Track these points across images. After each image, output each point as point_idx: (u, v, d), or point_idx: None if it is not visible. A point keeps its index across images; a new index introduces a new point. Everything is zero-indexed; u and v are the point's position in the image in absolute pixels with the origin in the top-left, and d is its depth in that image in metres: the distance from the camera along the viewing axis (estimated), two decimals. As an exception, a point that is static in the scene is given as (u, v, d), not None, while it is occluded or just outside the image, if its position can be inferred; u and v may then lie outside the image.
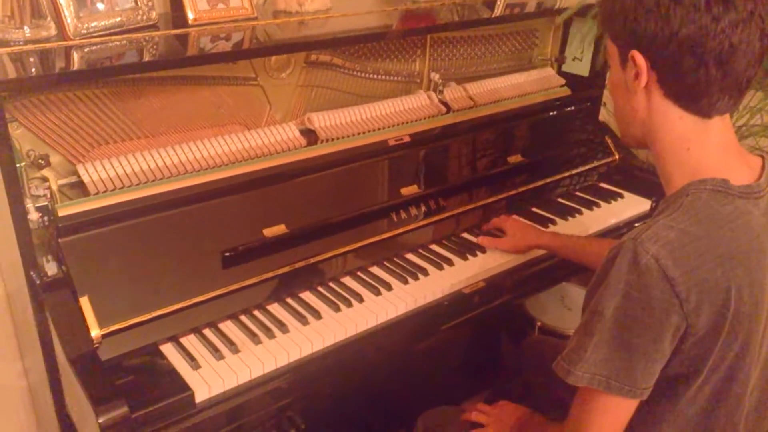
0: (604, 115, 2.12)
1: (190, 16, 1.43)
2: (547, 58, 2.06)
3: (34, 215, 1.19)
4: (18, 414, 1.67)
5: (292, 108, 1.58)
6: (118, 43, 1.33)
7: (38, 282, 1.18)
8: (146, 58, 1.31)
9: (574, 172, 1.89)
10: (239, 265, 1.31)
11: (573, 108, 2.00)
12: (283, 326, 1.26)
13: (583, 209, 1.78)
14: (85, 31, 1.30)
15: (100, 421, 0.99)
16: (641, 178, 1.91)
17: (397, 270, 1.46)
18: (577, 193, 1.87)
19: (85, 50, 1.28)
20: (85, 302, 1.14)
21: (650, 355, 0.90)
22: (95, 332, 1.13)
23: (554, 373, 0.97)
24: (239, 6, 1.50)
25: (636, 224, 1.77)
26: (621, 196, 1.87)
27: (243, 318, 1.29)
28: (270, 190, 1.41)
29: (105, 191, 1.24)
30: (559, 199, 1.84)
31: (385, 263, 1.49)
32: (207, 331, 1.25)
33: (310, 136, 1.52)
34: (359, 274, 1.45)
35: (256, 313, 1.31)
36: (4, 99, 1.15)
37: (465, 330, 2.03)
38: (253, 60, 1.47)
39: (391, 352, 1.36)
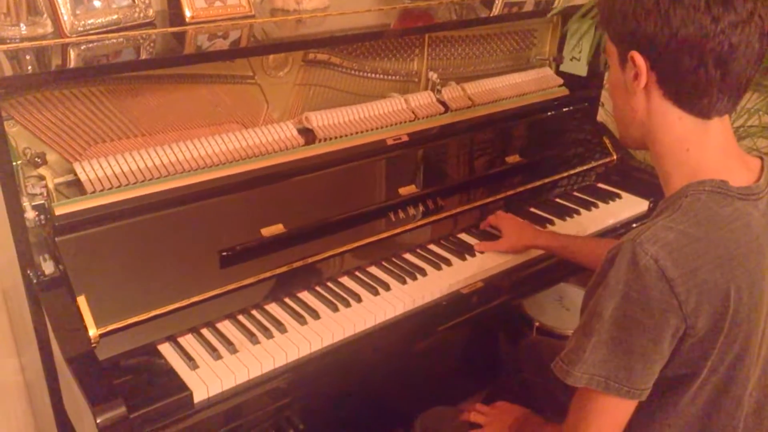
0: (602, 116, 2.12)
1: (188, 13, 1.43)
2: (545, 58, 2.06)
3: (30, 214, 1.18)
4: (15, 412, 1.67)
5: (289, 107, 1.58)
6: (114, 40, 1.33)
7: (35, 281, 1.18)
8: (143, 56, 1.31)
9: (572, 172, 1.89)
10: (237, 265, 1.31)
11: (571, 108, 2.00)
12: (281, 326, 1.26)
13: (581, 209, 1.78)
14: (82, 29, 1.30)
15: (98, 421, 0.99)
16: (639, 178, 1.91)
17: (395, 270, 1.46)
18: (575, 194, 1.87)
19: (82, 48, 1.28)
20: (82, 301, 1.13)
21: (649, 356, 0.90)
22: (93, 332, 1.12)
23: (552, 374, 0.97)
24: (237, 4, 1.50)
25: (634, 225, 1.78)
26: (619, 196, 1.87)
27: (241, 318, 1.29)
28: (268, 189, 1.40)
29: (102, 190, 1.24)
30: (557, 200, 1.84)
31: (384, 263, 1.49)
32: (205, 331, 1.25)
33: (308, 135, 1.51)
34: (357, 274, 1.45)
35: (254, 312, 1.30)
36: (0, 97, 1.14)
37: (463, 330, 2.02)
38: (251, 58, 1.47)
39: (389, 353, 1.36)
